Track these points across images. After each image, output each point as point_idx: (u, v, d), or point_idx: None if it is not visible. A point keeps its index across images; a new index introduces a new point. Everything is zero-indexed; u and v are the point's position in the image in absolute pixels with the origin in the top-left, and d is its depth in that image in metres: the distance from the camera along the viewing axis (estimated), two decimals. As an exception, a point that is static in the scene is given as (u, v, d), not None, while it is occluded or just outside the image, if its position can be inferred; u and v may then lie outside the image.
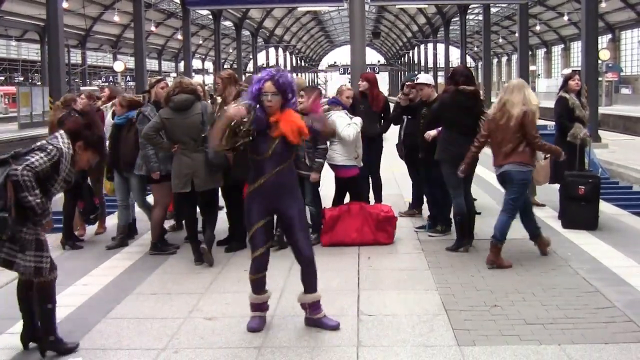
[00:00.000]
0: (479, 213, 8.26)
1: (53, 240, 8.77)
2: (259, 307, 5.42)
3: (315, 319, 5.34)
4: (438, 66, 65.52)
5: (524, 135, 6.96)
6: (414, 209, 9.71)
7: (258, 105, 5.12)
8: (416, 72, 65.93)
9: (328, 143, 8.04)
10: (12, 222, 4.56)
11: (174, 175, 7.44)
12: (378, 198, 9.47)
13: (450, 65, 54.85)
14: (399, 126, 9.52)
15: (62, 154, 4.80)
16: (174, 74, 78.29)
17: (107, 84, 58.05)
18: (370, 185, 9.49)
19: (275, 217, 5.54)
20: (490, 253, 7.06)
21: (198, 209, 7.71)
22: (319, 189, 8.33)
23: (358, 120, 8.16)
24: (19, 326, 5.49)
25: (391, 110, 9.57)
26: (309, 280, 5.34)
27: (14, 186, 4.55)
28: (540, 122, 10.38)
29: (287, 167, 5.20)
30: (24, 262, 4.76)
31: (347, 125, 7.99)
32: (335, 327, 5.26)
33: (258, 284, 5.37)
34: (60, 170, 4.80)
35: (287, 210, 5.23)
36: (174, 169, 7.42)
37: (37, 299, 4.93)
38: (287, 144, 5.13)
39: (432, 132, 8.14)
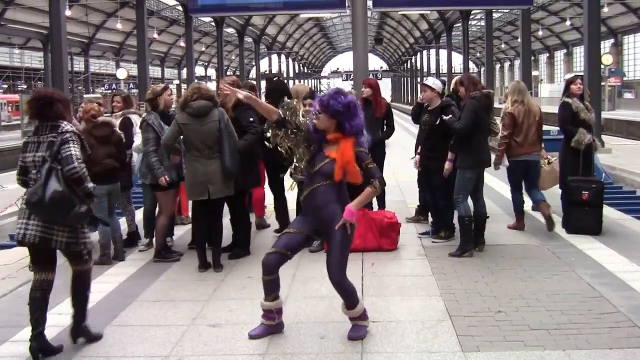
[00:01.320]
0: (488, 217, 8.26)
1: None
2: (267, 316, 5.36)
3: (352, 324, 5.33)
4: (441, 72, 65.48)
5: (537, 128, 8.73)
6: (420, 215, 9.69)
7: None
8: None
9: None
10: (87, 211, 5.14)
11: (187, 184, 7.40)
12: (381, 204, 9.46)
13: (453, 71, 54.83)
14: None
15: (77, 135, 5.19)
16: (177, 81, 78.48)
17: (109, 91, 58.19)
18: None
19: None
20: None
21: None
22: None
23: None
24: (22, 334, 5.51)
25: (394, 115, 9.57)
26: (342, 298, 5.28)
27: (75, 181, 5.00)
28: (544, 127, 10.42)
29: (333, 185, 5.12)
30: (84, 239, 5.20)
31: None
32: (352, 338, 5.21)
33: (264, 287, 5.31)
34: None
35: (329, 230, 5.15)
36: (188, 178, 7.37)
37: (79, 286, 5.28)
38: (333, 167, 5.08)
39: (448, 166, 8.04)
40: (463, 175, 7.75)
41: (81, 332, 5.30)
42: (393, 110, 10.16)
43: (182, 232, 9.33)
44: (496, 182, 12.59)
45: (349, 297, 5.26)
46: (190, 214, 10.07)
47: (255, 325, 5.39)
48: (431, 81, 8.57)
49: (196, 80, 39.98)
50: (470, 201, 7.90)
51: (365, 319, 5.35)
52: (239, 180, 7.54)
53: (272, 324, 5.35)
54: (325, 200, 5.15)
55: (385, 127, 9.48)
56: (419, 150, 8.80)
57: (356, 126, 5.13)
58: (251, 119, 7.75)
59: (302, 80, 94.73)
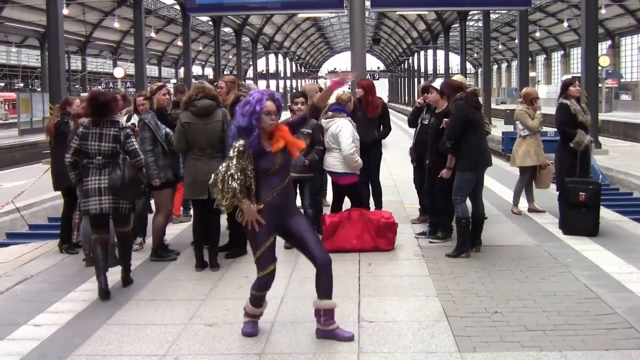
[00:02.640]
0: (486, 217, 8.25)
1: (51, 246, 8.80)
2: (254, 316, 5.44)
3: (328, 330, 5.24)
4: (438, 72, 65.61)
5: None
6: (427, 214, 9.58)
7: (247, 127, 5.01)
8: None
9: (328, 151, 8.13)
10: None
11: (187, 183, 7.39)
12: (378, 204, 9.45)
13: (450, 72, 54.87)
14: (413, 130, 9.53)
15: (132, 129, 6.94)
16: (174, 80, 78.43)
17: (108, 90, 58.11)
18: (370, 191, 9.47)
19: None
20: None
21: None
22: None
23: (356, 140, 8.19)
24: (19, 332, 5.51)
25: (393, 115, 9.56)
26: (325, 285, 5.23)
27: (140, 168, 6.76)
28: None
29: (290, 179, 5.22)
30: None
31: (351, 142, 8.02)
32: (350, 339, 5.19)
33: (261, 300, 5.36)
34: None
35: (295, 220, 5.22)
36: (188, 177, 7.36)
37: (126, 244, 6.96)
38: (287, 155, 5.13)
39: (446, 173, 7.97)
40: (462, 176, 7.72)
41: (129, 280, 6.93)
42: (391, 109, 10.16)
43: (178, 231, 9.33)
44: (493, 183, 12.62)
45: (331, 284, 5.25)
46: (181, 212, 10.12)
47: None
48: (438, 83, 8.50)
49: (191, 80, 39.99)
50: (468, 202, 7.89)
51: (334, 323, 5.28)
52: None
53: (258, 320, 5.46)
54: (286, 196, 5.20)
55: (382, 127, 9.48)
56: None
57: None
58: None
59: (310, 80, 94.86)
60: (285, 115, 7.24)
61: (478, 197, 7.93)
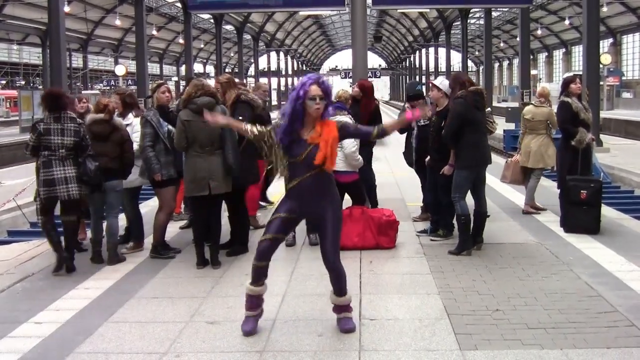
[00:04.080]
0: (489, 215, 8.24)
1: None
2: (253, 305, 5.38)
3: (339, 317, 5.34)
4: (439, 70, 65.53)
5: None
6: (428, 212, 9.57)
7: (286, 117, 5.06)
8: (417, 80, 65.99)
9: None
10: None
11: (188, 180, 7.38)
12: (373, 202, 9.38)
13: (452, 70, 54.85)
14: (406, 134, 9.52)
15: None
16: (175, 78, 78.45)
17: (108, 87, 58.18)
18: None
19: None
20: None
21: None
22: None
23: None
24: (20, 330, 5.52)
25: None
26: (335, 284, 5.30)
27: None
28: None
29: (322, 171, 5.11)
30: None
31: (353, 140, 8.00)
32: (348, 330, 5.24)
33: (258, 273, 5.31)
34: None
35: (321, 214, 5.19)
36: (189, 173, 7.35)
37: (74, 230, 7.63)
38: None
39: (447, 169, 7.97)
40: (460, 174, 7.73)
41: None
42: (392, 107, 10.17)
43: (180, 230, 9.33)
44: (495, 181, 12.59)
45: (343, 281, 5.28)
46: (182, 210, 10.11)
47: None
48: (439, 81, 8.43)
49: (194, 76, 39.98)
50: (471, 199, 7.89)
51: (352, 311, 5.39)
52: (239, 177, 7.53)
53: (257, 314, 5.42)
54: (319, 186, 5.15)
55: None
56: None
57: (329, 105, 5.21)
58: (240, 117, 7.73)
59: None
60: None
61: (480, 195, 7.93)
